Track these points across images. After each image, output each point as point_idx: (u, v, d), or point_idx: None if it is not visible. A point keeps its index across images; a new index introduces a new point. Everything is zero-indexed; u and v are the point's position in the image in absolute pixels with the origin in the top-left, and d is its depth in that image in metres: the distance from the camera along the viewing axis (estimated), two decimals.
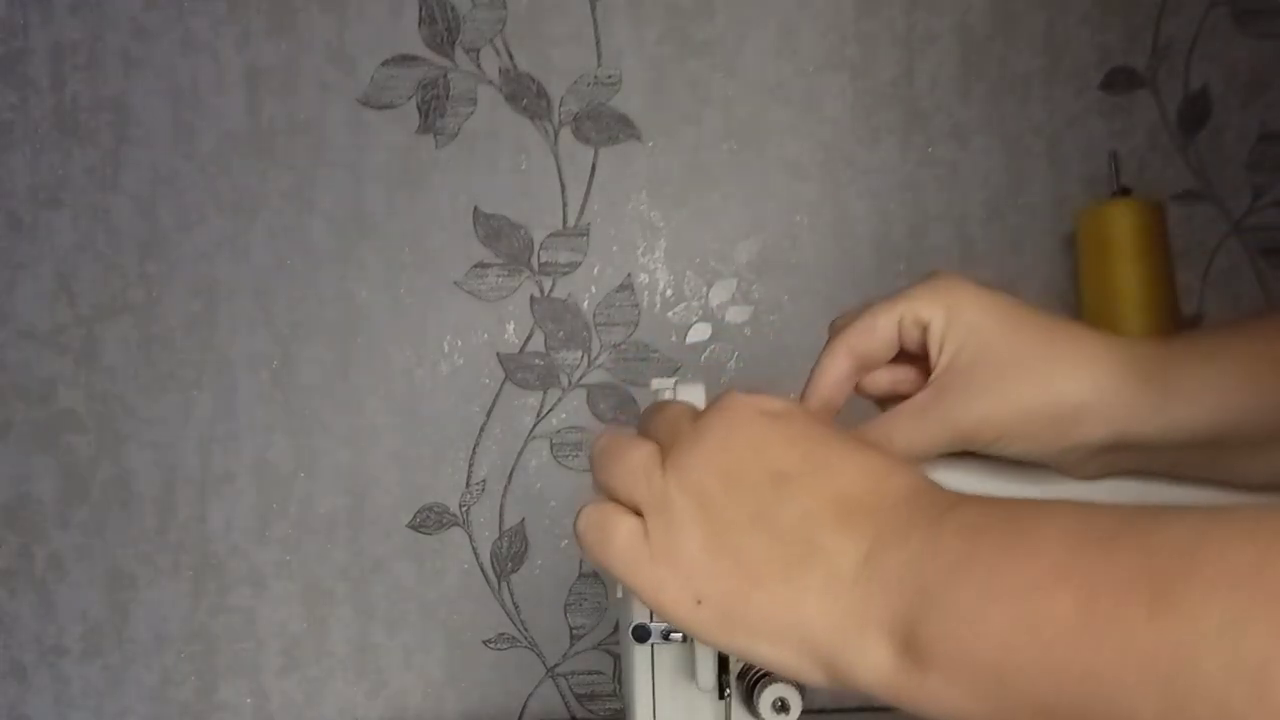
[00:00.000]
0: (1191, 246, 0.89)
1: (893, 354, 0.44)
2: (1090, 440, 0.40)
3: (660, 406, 0.39)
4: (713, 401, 0.37)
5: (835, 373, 0.45)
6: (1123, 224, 0.79)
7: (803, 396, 0.45)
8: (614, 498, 0.36)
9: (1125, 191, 0.82)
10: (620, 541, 0.35)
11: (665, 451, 0.36)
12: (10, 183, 0.89)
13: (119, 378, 0.89)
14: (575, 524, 0.37)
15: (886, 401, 0.46)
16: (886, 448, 0.40)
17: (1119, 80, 0.90)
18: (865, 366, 0.45)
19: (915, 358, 0.45)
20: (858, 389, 0.46)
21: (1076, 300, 0.87)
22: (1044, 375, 0.40)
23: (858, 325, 0.44)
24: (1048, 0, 0.90)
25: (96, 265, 0.89)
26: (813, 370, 0.45)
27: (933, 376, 0.42)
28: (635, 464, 0.36)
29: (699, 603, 0.33)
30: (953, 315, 0.41)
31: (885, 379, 0.46)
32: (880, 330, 0.43)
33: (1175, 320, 0.79)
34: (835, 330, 0.46)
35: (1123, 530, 0.27)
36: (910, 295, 0.43)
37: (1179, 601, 0.24)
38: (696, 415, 0.37)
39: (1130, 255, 0.79)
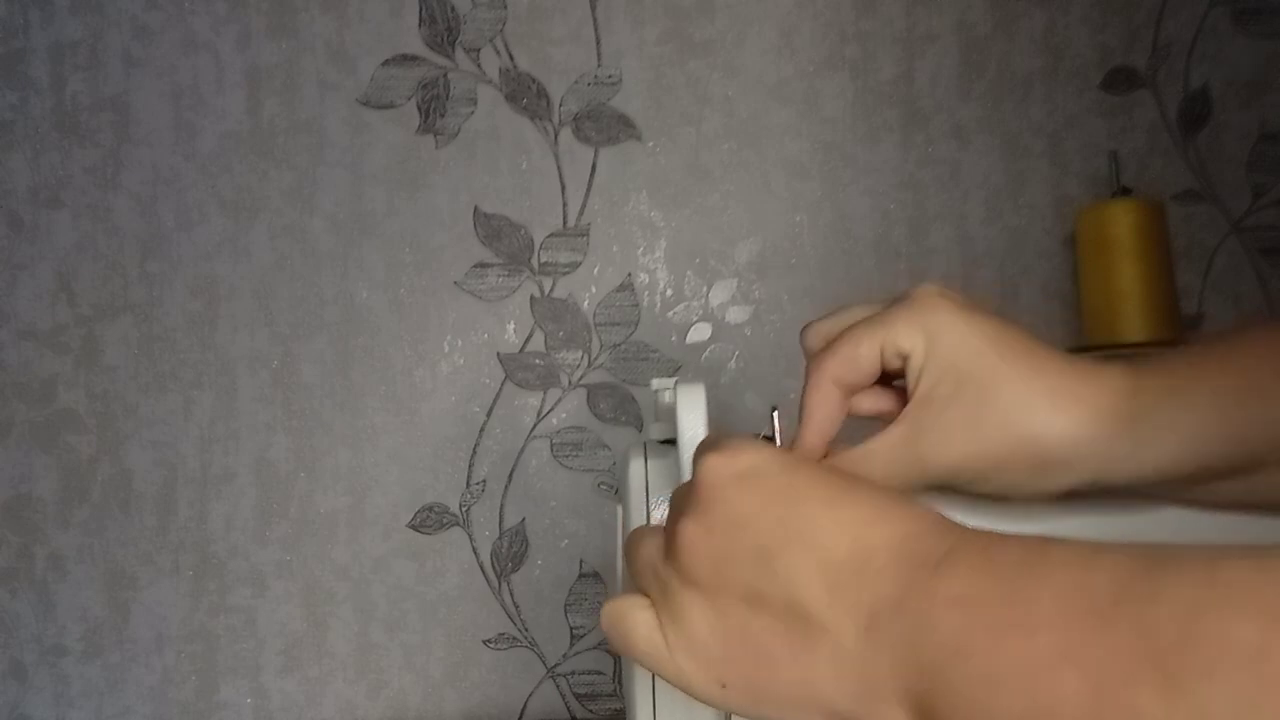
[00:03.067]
0: (1191, 246, 0.89)
1: (875, 379, 0.44)
2: (1064, 484, 0.39)
3: (678, 488, 0.39)
4: (695, 469, 0.37)
5: (826, 408, 0.44)
6: (1123, 224, 0.79)
7: (797, 436, 0.45)
8: (637, 589, 0.38)
9: (1125, 191, 0.82)
10: (640, 636, 0.36)
11: (667, 541, 0.36)
12: (10, 183, 0.89)
13: (119, 378, 0.89)
14: (600, 617, 0.38)
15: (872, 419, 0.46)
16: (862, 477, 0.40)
17: (1119, 80, 0.90)
18: (851, 393, 0.45)
19: (896, 377, 0.44)
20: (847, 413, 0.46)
21: (1076, 300, 0.87)
22: (1023, 420, 0.39)
23: (839, 355, 0.43)
24: (1047, 0, 0.90)
25: (96, 265, 0.89)
26: (802, 406, 0.45)
27: (907, 409, 0.41)
28: (645, 557, 0.37)
29: (723, 686, 0.34)
30: (931, 346, 0.40)
31: (868, 403, 0.45)
32: (864, 362, 0.42)
33: (1175, 320, 0.79)
34: (809, 347, 0.46)
35: (1121, 599, 0.26)
36: (890, 321, 0.41)
37: (1186, 685, 0.24)
38: (687, 492, 0.37)
39: (1130, 255, 0.79)
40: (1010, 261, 0.89)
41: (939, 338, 0.40)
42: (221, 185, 0.90)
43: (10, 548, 0.89)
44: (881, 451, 0.41)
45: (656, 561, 0.36)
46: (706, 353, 0.90)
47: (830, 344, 0.44)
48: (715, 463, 0.36)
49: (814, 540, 0.33)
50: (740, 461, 0.36)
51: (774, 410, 0.50)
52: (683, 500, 0.37)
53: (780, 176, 0.90)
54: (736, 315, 0.90)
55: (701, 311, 0.90)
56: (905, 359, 0.41)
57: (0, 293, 0.89)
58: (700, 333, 0.90)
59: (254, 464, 0.89)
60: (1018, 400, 0.39)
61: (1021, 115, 0.90)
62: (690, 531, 0.35)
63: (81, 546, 0.88)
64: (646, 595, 0.37)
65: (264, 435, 0.89)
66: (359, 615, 0.89)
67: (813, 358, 0.45)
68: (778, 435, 0.51)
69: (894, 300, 0.43)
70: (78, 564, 0.88)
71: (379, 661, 0.89)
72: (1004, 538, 0.30)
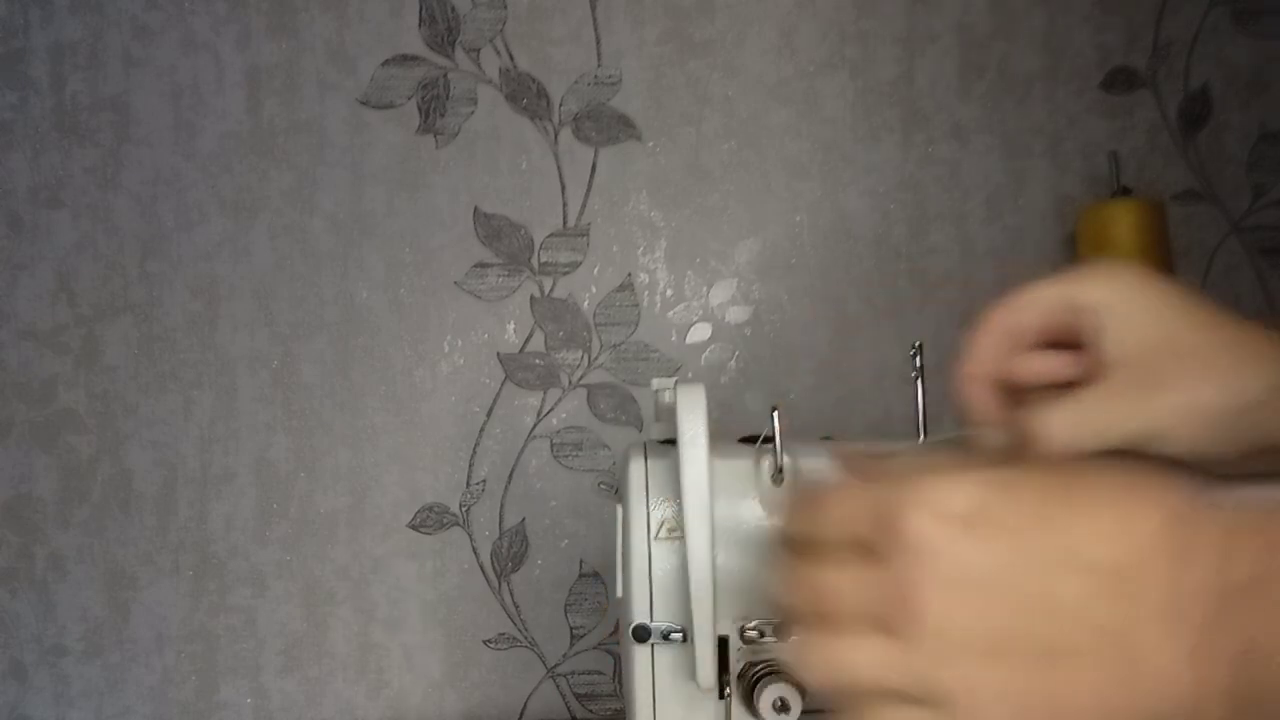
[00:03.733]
0: (1191, 246, 0.89)
1: (1042, 336, 0.41)
2: (1262, 441, 0.38)
3: (813, 572, 0.33)
4: (882, 533, 0.31)
5: (988, 347, 0.41)
6: (1123, 224, 0.79)
7: (961, 373, 0.42)
8: (858, 695, 0.32)
9: (1125, 191, 0.82)
10: None
11: (886, 635, 0.31)
12: (10, 183, 0.89)
13: (119, 378, 0.89)
14: None
15: (1030, 393, 0.42)
16: (1042, 442, 0.37)
17: (1119, 80, 0.90)
18: (1017, 345, 0.42)
19: (1069, 348, 0.41)
20: (1007, 374, 0.43)
21: None
22: (1231, 373, 0.37)
23: (1013, 300, 0.41)
24: (1048, 0, 0.90)
25: (96, 265, 0.89)
26: (968, 345, 0.42)
27: (1104, 366, 0.38)
28: (863, 667, 0.31)
29: None
30: (1127, 301, 0.38)
31: (1036, 365, 0.42)
32: (1038, 306, 0.40)
33: None
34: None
35: None
36: (1075, 277, 0.40)
37: None
38: (872, 566, 0.31)
39: (1130, 255, 0.79)
40: (1010, 261, 0.89)
41: (1134, 294, 0.39)
42: (221, 185, 0.90)
43: (10, 548, 0.89)
44: (1071, 406, 0.38)
45: (886, 662, 0.30)
46: (706, 353, 0.90)
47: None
48: (928, 519, 0.30)
49: (1083, 561, 0.29)
50: (954, 504, 0.31)
51: (774, 410, 0.50)
52: (902, 575, 0.30)
53: (780, 176, 0.90)
54: (736, 315, 0.90)
55: (701, 311, 0.90)
56: (1091, 313, 0.39)
57: (0, 293, 0.89)
58: (700, 333, 0.90)
59: (254, 464, 0.89)
60: (1225, 355, 0.37)
61: (1021, 115, 0.90)
62: (938, 606, 0.30)
63: (81, 546, 0.88)
64: (879, 695, 0.31)
65: (264, 435, 0.89)
66: (359, 615, 0.89)
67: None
68: (778, 435, 0.51)
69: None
70: (78, 564, 0.88)
71: (379, 661, 0.89)
72: (1263, 509, 0.28)
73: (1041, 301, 0.40)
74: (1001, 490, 0.31)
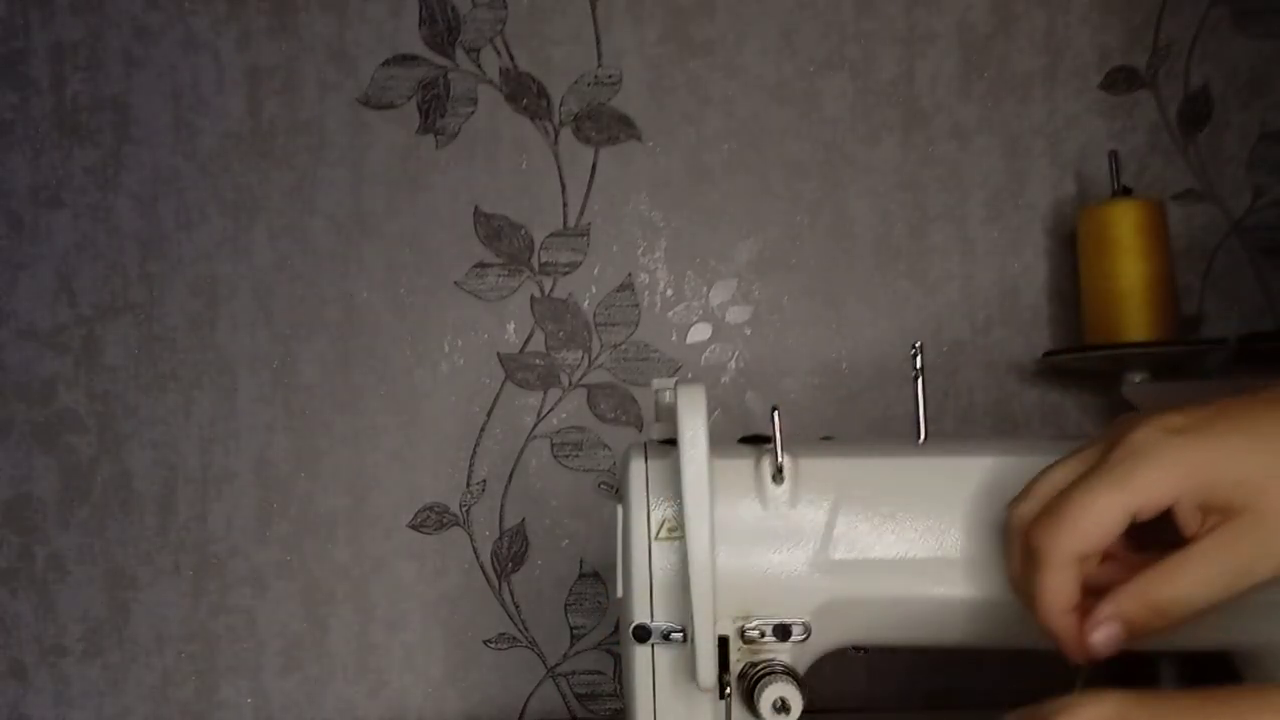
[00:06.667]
0: (1192, 246, 0.89)
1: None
2: None
3: None
4: None
5: (1069, 591, 0.40)
6: (1123, 224, 0.79)
7: (1040, 617, 0.41)
8: None
9: (1126, 191, 0.82)
10: None
11: None
12: (10, 183, 0.89)
13: (119, 378, 0.89)
14: None
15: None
16: (1156, 601, 0.38)
17: (1119, 80, 0.90)
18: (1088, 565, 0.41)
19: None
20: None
21: (1076, 300, 0.87)
22: None
23: (1079, 529, 0.38)
24: (1047, 0, 0.90)
25: (96, 265, 0.89)
26: (1039, 597, 0.40)
27: (1204, 529, 0.38)
28: None
29: None
30: (1196, 483, 0.37)
31: (1104, 573, 0.41)
32: (1111, 532, 0.38)
33: (1175, 320, 0.79)
34: (1022, 517, 0.42)
35: None
36: (1129, 482, 0.38)
37: None
38: None
39: (1130, 255, 0.79)
40: (1010, 261, 0.89)
41: (1198, 472, 0.37)
42: (221, 185, 0.90)
43: (10, 548, 0.89)
44: (1191, 563, 0.38)
45: None
46: (706, 353, 0.90)
47: (1052, 513, 0.40)
48: None
49: None
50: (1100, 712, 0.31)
51: (774, 410, 0.50)
52: None
53: (780, 176, 0.90)
54: (736, 315, 0.90)
55: (701, 311, 0.90)
56: (1163, 512, 0.38)
57: (0, 293, 0.89)
58: (700, 333, 0.90)
59: (254, 464, 0.89)
60: None
61: (1021, 115, 0.90)
62: None
63: (81, 546, 0.88)
64: None
65: (264, 435, 0.89)
66: (359, 615, 0.89)
67: (1035, 529, 0.40)
68: (778, 435, 0.51)
69: (1098, 446, 0.40)
70: (78, 564, 0.88)
71: (379, 661, 0.89)
72: None
73: (1108, 521, 0.38)
74: (1139, 706, 0.32)
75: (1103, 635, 0.39)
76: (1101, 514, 0.38)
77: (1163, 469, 0.37)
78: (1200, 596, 0.38)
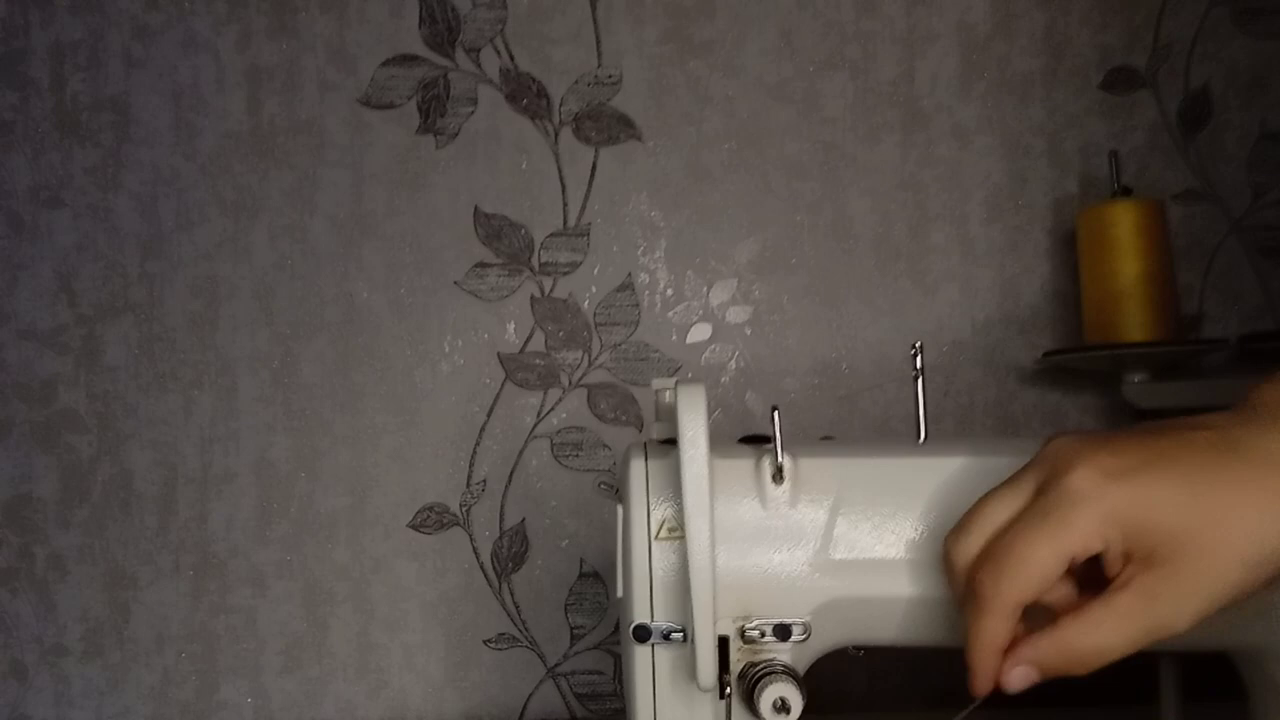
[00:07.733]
0: (1192, 246, 0.89)
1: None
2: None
3: None
4: None
5: (1005, 638, 0.41)
6: (1123, 224, 0.79)
7: (968, 652, 0.42)
8: None
9: (1126, 191, 0.82)
10: None
11: None
12: (10, 183, 0.89)
13: (119, 378, 0.89)
14: None
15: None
16: (1074, 651, 0.39)
17: (1119, 80, 0.90)
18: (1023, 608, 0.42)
19: None
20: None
21: (1076, 300, 0.87)
22: (1240, 545, 0.38)
23: (1020, 578, 0.40)
24: (1048, 0, 0.90)
25: (96, 265, 0.89)
26: (975, 638, 0.41)
27: (1123, 578, 0.39)
28: None
29: None
30: (1122, 532, 0.39)
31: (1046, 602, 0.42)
32: (1051, 578, 0.40)
33: (1175, 320, 0.79)
34: (959, 560, 0.42)
35: None
36: (1063, 524, 0.39)
37: None
38: None
39: (1131, 255, 0.79)
40: (1010, 261, 0.89)
41: (1124, 519, 0.39)
42: (221, 185, 0.90)
43: (10, 548, 0.89)
44: (1097, 617, 0.39)
45: None
46: (706, 353, 0.90)
47: (994, 559, 0.40)
48: None
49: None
50: None
51: (774, 410, 0.50)
52: None
53: (780, 176, 0.90)
54: (736, 315, 0.90)
55: (701, 311, 0.90)
56: (1095, 555, 0.40)
57: (0, 293, 0.89)
58: (700, 333, 0.90)
59: (254, 464, 0.89)
60: (1230, 527, 0.38)
61: (1021, 115, 0.90)
62: None
63: (82, 546, 0.88)
64: None
65: (264, 435, 0.89)
66: (359, 615, 0.89)
67: (975, 575, 0.41)
68: (778, 435, 0.51)
69: (1032, 476, 0.41)
70: (78, 564, 0.88)
71: (379, 661, 0.89)
72: None
73: (1049, 570, 0.39)
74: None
75: (1018, 677, 0.41)
76: (1043, 564, 0.39)
77: (1099, 517, 0.39)
78: (1116, 648, 0.39)
